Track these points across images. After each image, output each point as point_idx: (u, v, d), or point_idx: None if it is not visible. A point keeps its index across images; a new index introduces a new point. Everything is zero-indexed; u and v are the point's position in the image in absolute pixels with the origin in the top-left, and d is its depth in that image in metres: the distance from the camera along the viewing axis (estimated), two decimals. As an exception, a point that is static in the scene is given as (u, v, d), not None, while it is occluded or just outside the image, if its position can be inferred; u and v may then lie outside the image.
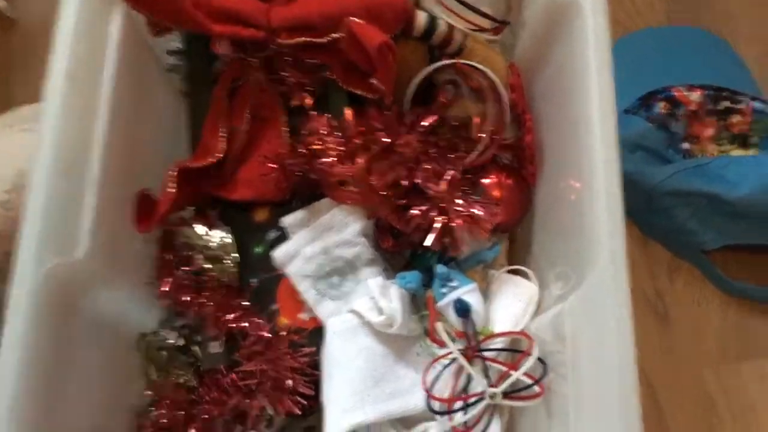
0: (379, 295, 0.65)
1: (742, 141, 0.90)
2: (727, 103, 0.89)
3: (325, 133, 0.69)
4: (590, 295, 0.57)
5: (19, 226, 0.69)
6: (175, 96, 0.82)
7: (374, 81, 0.68)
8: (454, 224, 0.68)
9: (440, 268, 0.69)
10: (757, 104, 0.88)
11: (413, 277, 0.69)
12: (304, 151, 0.69)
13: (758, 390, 0.87)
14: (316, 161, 0.68)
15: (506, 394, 0.60)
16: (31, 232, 0.54)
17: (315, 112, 0.71)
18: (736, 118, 0.89)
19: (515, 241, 0.80)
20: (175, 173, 0.66)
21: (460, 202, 0.68)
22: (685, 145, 0.91)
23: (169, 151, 0.78)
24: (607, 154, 0.59)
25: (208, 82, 0.75)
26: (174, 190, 0.65)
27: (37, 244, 0.54)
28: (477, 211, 0.68)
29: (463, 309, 0.66)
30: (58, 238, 0.56)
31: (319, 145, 0.69)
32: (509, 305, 0.69)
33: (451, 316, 0.67)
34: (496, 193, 0.75)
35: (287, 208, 0.72)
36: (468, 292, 0.68)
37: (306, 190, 0.72)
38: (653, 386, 0.87)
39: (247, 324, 0.66)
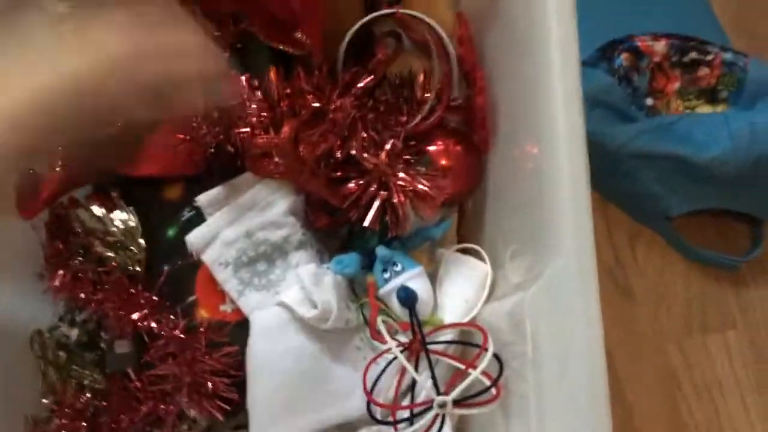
0: (312, 286, 0.57)
1: (710, 95, 0.83)
2: (694, 54, 0.81)
3: (245, 96, 0.59)
4: (554, 288, 0.50)
5: None
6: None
7: (300, 35, 0.58)
8: (396, 200, 0.59)
9: (381, 250, 0.61)
10: (727, 56, 0.81)
11: (351, 260, 0.61)
12: (221, 118, 0.60)
13: (723, 364, 0.82)
14: (234, 130, 0.59)
15: (457, 402, 0.52)
16: None
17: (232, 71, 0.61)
18: (703, 71, 0.82)
19: (466, 215, 0.72)
20: (62, 148, 0.55)
21: (402, 175, 0.60)
22: (649, 101, 0.83)
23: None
24: (570, 117, 0.51)
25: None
26: (59, 170, 0.55)
27: None
28: (422, 185, 0.59)
29: (407, 298, 0.59)
30: None
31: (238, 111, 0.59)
32: (460, 290, 0.62)
33: (395, 304, 0.59)
34: (443, 161, 0.66)
35: (203, 183, 0.62)
36: (413, 278, 0.60)
37: (224, 163, 0.63)
38: (614, 361, 0.81)
39: (155, 324, 0.56)
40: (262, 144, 0.58)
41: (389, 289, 0.60)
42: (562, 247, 0.50)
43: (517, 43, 0.61)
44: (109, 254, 0.59)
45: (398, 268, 0.61)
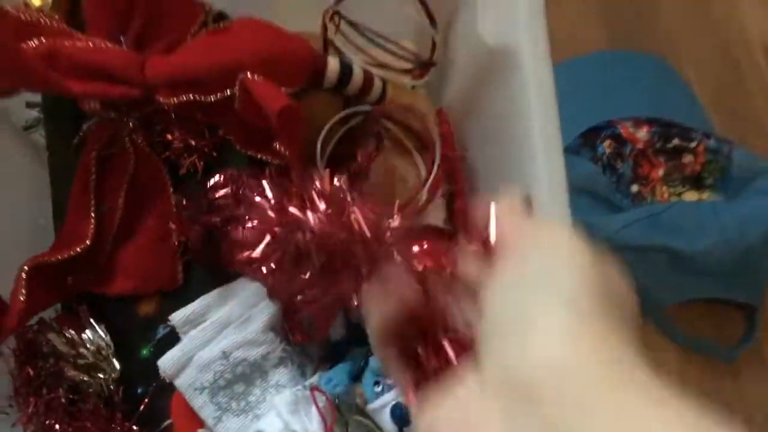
0: (289, 415, 0.54)
1: (696, 182, 0.82)
2: (677, 141, 0.81)
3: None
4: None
5: None
6: (36, 155, 0.68)
7: (277, 145, 0.56)
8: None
9: (374, 361, 0.59)
10: (711, 142, 0.81)
11: (340, 377, 0.58)
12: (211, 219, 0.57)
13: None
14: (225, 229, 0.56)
15: None
16: None
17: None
18: (687, 158, 0.81)
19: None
20: (25, 275, 0.53)
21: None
22: (634, 188, 0.82)
23: (35, 228, 0.65)
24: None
25: (73, 146, 0.62)
26: (24, 299, 0.52)
27: None
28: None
29: (402, 417, 0.56)
30: None
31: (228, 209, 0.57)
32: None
33: (386, 422, 0.57)
34: (429, 262, 0.64)
35: (179, 296, 0.59)
36: (405, 393, 0.57)
37: (202, 275, 0.60)
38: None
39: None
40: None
41: (381, 404, 0.57)
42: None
43: (501, 146, 0.60)
44: (83, 378, 0.56)
45: (390, 380, 0.58)
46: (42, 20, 0.58)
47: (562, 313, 0.30)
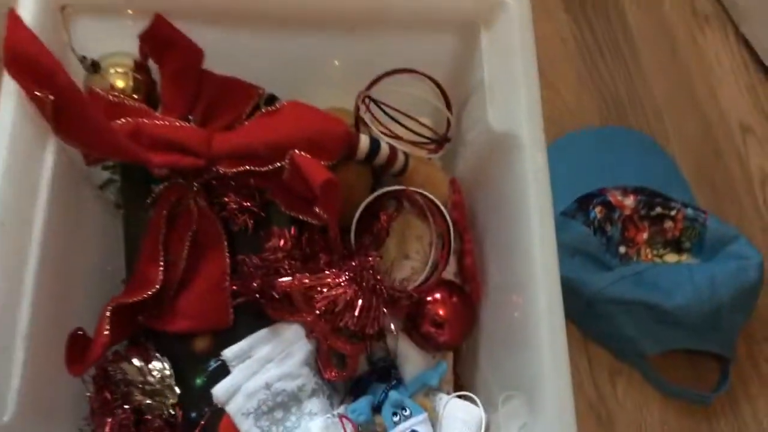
0: (324, 439, 0.64)
1: (675, 246, 0.93)
2: (659, 209, 0.92)
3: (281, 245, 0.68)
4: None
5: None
6: (109, 211, 0.79)
7: (318, 210, 0.67)
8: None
9: (393, 394, 0.68)
10: (689, 211, 0.92)
11: (364, 408, 0.68)
12: (256, 269, 0.68)
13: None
14: (270, 279, 0.67)
15: None
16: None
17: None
18: (668, 224, 0.92)
19: (461, 355, 0.80)
20: (109, 313, 0.64)
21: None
22: (622, 249, 0.93)
23: (103, 274, 0.76)
24: (551, 300, 0.60)
25: (144, 204, 0.73)
26: (107, 333, 0.62)
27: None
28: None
29: (415, 443, 0.66)
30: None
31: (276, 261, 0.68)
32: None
33: (402, 447, 0.66)
34: (441, 311, 0.74)
35: (229, 335, 0.70)
36: (421, 423, 0.67)
37: (249, 317, 0.71)
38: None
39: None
40: (283, 286, 0.66)
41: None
42: (546, 401, 0.58)
43: (503, 216, 0.70)
44: (148, 402, 0.66)
45: (407, 412, 0.68)
46: (126, 101, 0.70)
47: None
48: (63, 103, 0.61)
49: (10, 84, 0.60)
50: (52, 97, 0.60)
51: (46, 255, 0.60)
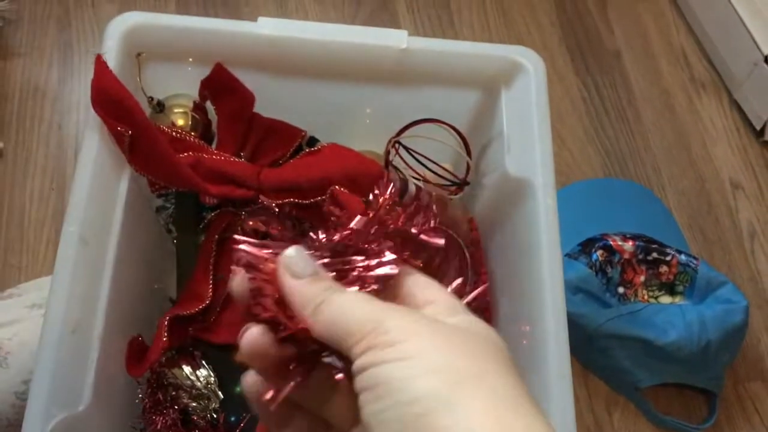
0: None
1: (669, 288, 1.01)
2: (655, 255, 1.01)
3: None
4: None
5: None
6: (160, 234, 0.88)
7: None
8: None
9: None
10: (682, 257, 1.00)
11: None
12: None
13: None
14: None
15: None
16: (40, 389, 0.59)
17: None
18: (663, 268, 1.01)
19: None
20: (167, 323, 0.72)
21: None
22: (621, 289, 1.01)
23: (152, 291, 0.84)
24: (558, 329, 0.68)
25: (196, 229, 0.82)
26: (165, 339, 0.71)
27: (45, 400, 0.58)
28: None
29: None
30: (64, 393, 0.60)
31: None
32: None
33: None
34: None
35: (266, 349, 0.78)
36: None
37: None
38: None
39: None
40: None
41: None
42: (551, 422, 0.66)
43: (515, 255, 0.78)
44: (193, 404, 0.74)
45: None
46: (187, 138, 0.79)
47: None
48: (139, 138, 0.70)
49: (94, 120, 0.70)
50: (130, 132, 0.69)
51: (117, 271, 0.68)
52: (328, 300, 0.35)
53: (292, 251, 0.36)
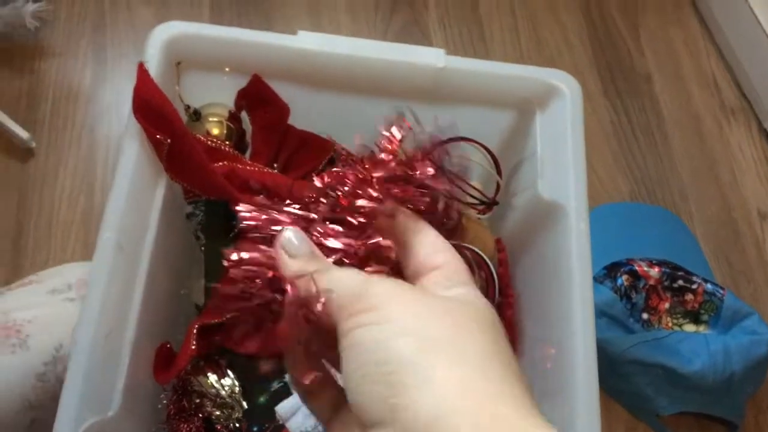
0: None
1: (694, 317, 1.01)
2: (681, 282, 1.00)
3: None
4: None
5: (52, 396, 0.74)
6: (188, 240, 0.88)
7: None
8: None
9: None
10: (708, 286, 1.00)
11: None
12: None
13: None
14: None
15: None
16: (72, 393, 0.59)
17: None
18: (689, 296, 1.00)
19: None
20: (195, 330, 0.72)
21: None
22: (645, 315, 1.01)
23: (181, 297, 0.84)
24: (587, 354, 0.68)
25: (225, 237, 0.82)
26: (194, 347, 0.71)
27: (77, 404, 0.59)
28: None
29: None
30: (96, 397, 0.61)
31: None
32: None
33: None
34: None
35: (291, 360, 0.78)
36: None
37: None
38: None
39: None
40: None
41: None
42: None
43: (544, 279, 0.78)
44: (217, 413, 0.75)
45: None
46: (222, 147, 0.80)
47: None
48: (177, 146, 0.71)
49: (134, 127, 0.70)
50: (169, 140, 0.70)
51: (150, 277, 0.69)
52: (320, 279, 0.36)
53: (289, 232, 0.40)
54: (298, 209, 0.43)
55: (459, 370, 0.31)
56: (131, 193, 0.68)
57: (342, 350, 0.34)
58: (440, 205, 0.82)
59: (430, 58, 0.79)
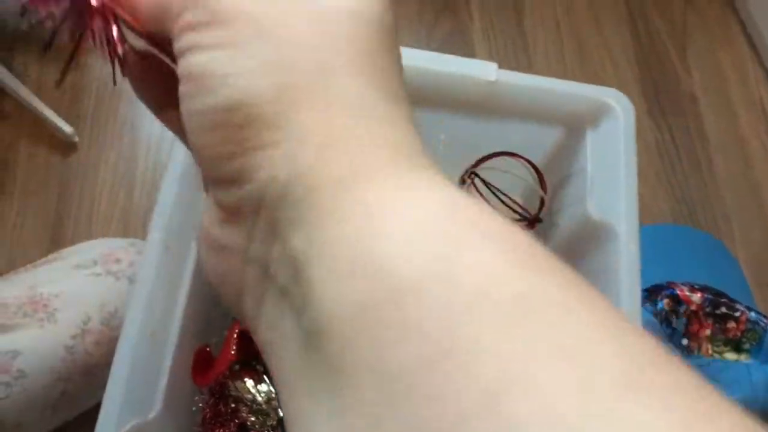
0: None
1: (735, 345, 0.99)
2: (724, 309, 0.98)
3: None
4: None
5: (81, 369, 0.75)
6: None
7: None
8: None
9: None
10: (752, 314, 0.98)
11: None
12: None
13: None
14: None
15: None
16: (114, 393, 0.59)
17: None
18: (731, 324, 0.98)
19: None
20: (236, 335, 0.72)
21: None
22: (684, 341, 0.99)
23: (218, 299, 0.84)
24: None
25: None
26: (234, 352, 0.71)
27: (119, 405, 0.59)
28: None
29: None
30: (137, 400, 0.61)
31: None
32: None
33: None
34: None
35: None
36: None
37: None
38: None
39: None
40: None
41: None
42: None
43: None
44: (252, 419, 0.74)
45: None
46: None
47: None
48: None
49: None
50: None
51: (194, 278, 0.69)
52: None
53: None
54: None
55: (328, 117, 0.23)
56: (180, 195, 0.68)
57: (179, 77, 0.25)
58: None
59: (481, 71, 0.79)
